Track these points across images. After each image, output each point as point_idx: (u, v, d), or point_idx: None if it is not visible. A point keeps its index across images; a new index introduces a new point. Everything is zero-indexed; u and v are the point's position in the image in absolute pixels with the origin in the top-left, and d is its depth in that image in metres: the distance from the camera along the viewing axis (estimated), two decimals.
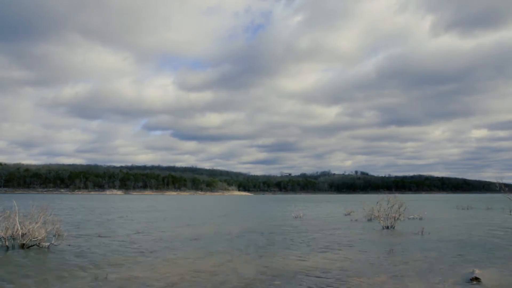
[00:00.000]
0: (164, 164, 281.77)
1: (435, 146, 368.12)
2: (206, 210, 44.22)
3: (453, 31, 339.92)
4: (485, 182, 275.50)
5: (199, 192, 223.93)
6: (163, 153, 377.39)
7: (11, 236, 14.19)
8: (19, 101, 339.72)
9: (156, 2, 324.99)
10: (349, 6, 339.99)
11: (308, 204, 65.36)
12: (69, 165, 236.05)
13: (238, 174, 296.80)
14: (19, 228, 14.17)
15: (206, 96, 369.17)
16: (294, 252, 13.39)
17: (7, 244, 13.53)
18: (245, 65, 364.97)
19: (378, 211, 22.58)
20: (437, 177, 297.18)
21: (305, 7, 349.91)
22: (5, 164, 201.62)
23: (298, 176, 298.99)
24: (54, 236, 14.68)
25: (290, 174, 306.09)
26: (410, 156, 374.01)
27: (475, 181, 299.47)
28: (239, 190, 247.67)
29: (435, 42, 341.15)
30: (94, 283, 8.88)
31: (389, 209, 22.10)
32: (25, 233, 13.96)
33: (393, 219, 21.61)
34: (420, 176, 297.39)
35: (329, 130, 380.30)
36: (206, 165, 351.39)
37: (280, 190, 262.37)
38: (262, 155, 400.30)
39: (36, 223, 14.32)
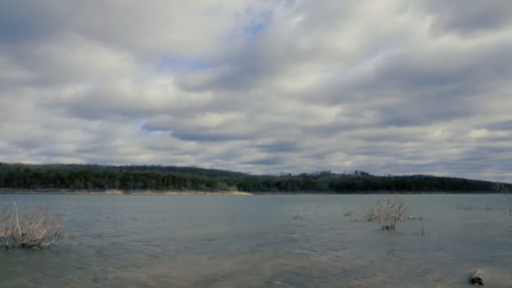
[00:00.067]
0: (164, 164, 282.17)
1: (435, 146, 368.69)
2: (207, 211, 44.20)
3: (453, 31, 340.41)
4: (485, 182, 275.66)
5: (199, 192, 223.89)
6: (163, 153, 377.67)
7: (11, 236, 14.17)
8: (20, 101, 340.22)
9: (157, 2, 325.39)
10: (349, 6, 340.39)
11: (308, 204, 65.34)
12: (69, 165, 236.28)
13: (238, 174, 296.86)
14: (19, 228, 14.16)
15: (207, 96, 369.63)
16: (293, 252, 13.37)
17: (7, 244, 13.51)
18: (245, 65, 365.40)
19: (378, 211, 22.57)
20: (437, 177, 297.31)
21: (305, 7, 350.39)
22: (5, 164, 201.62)
23: (298, 176, 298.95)
24: (55, 236, 14.67)
25: (290, 174, 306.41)
26: (410, 156, 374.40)
27: (475, 181, 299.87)
28: (239, 190, 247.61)
29: (435, 42, 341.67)
30: (94, 283, 8.87)
31: (389, 209, 22.09)
32: (25, 233, 13.96)
33: (393, 219, 21.60)
34: (420, 176, 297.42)
35: (329, 130, 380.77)
36: (206, 165, 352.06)
37: (280, 190, 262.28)
38: (262, 155, 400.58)
39: (36, 223, 14.32)
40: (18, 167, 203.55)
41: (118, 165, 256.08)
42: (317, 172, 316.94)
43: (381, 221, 21.70)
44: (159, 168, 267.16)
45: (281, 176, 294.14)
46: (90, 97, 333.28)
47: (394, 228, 21.04)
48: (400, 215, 22.09)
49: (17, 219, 14.29)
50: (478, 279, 8.99)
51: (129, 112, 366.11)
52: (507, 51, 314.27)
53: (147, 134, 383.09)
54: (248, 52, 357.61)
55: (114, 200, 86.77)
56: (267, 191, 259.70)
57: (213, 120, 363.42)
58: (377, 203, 22.93)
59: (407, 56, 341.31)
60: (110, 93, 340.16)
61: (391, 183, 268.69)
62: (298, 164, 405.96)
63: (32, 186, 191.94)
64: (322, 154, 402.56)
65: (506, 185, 20.17)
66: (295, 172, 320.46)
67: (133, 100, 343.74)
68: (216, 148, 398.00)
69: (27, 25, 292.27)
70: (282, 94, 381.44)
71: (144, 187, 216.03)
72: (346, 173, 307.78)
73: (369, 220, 25.80)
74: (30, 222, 14.29)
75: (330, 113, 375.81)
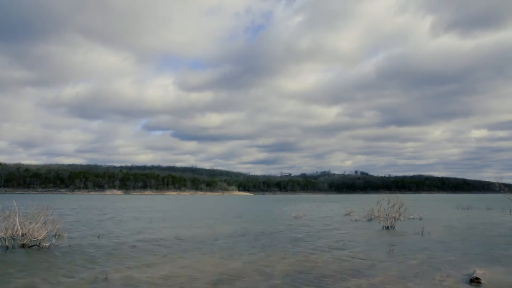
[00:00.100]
0: (164, 164, 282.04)
1: (435, 146, 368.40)
2: (208, 211, 44.20)
3: (453, 31, 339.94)
4: (485, 182, 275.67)
5: (199, 192, 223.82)
6: (163, 153, 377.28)
7: (11, 236, 14.17)
8: (20, 101, 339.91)
9: (157, 3, 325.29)
10: (349, 7, 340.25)
11: (308, 204, 65.35)
12: (69, 165, 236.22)
13: (238, 174, 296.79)
14: (19, 228, 14.17)
15: (207, 96, 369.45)
16: (293, 252, 13.39)
17: (7, 244, 13.52)
18: (245, 65, 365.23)
19: (378, 211, 22.59)
20: (437, 177, 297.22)
21: (305, 7, 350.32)
22: (5, 164, 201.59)
23: (298, 176, 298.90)
24: (55, 236, 14.68)
25: (290, 174, 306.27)
26: (410, 156, 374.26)
27: (475, 181, 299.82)
28: (239, 190, 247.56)
29: (435, 42, 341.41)
30: (94, 284, 8.88)
31: (389, 209, 22.11)
32: (25, 233, 13.97)
33: (393, 219, 21.62)
34: (420, 176, 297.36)
35: (329, 130, 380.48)
36: (206, 165, 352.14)
37: (280, 190, 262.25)
38: (262, 155, 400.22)
39: (36, 223, 14.32)
40: (18, 167, 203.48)
41: (118, 165, 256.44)
42: (317, 172, 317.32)
43: (381, 221, 21.71)
44: (159, 168, 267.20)
45: (281, 176, 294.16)
46: (90, 97, 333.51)
47: (394, 228, 21.05)
48: (400, 215, 22.11)
49: (17, 219, 14.30)
50: (477, 278, 9.01)
51: (129, 112, 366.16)
52: (507, 51, 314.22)
53: (147, 134, 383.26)
54: (248, 52, 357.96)
55: (114, 200, 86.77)
56: (267, 191, 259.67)
57: (213, 120, 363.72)
58: (377, 203, 22.94)
59: (407, 56, 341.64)
60: (110, 93, 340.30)
61: (391, 183, 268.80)
62: (298, 164, 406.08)
63: (32, 186, 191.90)
64: (322, 154, 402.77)
65: (506, 185, 20.17)
66: (295, 172, 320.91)
67: (133, 100, 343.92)
68: (216, 148, 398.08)
69: (27, 25, 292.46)
70: (282, 94, 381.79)
71: (144, 187, 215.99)
72: (346, 173, 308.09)
73: (369, 220, 25.81)
74: (30, 222, 14.31)
75: (330, 113, 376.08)
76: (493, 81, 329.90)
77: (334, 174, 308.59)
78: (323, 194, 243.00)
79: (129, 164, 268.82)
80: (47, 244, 13.74)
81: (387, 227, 21.06)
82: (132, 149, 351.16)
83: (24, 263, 11.18)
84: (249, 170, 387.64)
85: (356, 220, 26.97)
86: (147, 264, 11.12)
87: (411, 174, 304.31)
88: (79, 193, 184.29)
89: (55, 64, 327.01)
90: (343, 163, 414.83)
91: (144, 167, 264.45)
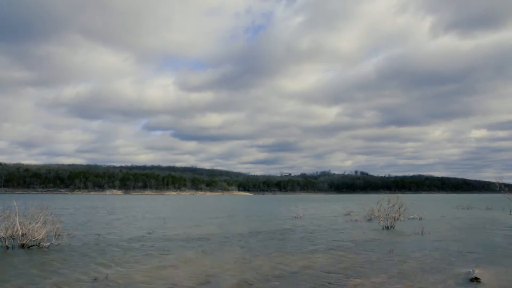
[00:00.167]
0: (164, 164, 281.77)
1: (435, 146, 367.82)
2: (208, 210, 44.20)
3: (453, 31, 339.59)
4: (485, 182, 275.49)
5: (199, 192, 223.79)
6: (163, 153, 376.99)
7: (11, 236, 14.17)
8: (20, 101, 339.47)
9: (157, 3, 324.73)
10: (349, 7, 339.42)
11: (308, 204, 65.36)
12: (69, 165, 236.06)
13: (238, 174, 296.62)
14: (19, 228, 14.16)
15: (207, 96, 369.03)
16: (293, 251, 13.39)
17: (7, 244, 13.53)
18: (245, 65, 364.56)
19: (378, 211, 22.58)
20: (437, 177, 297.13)
21: (306, 8, 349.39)
22: (5, 164, 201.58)
23: (298, 176, 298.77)
24: (55, 236, 14.66)
25: (290, 174, 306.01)
26: (410, 156, 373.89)
27: (475, 181, 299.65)
28: (239, 190, 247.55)
29: (435, 42, 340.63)
30: (94, 283, 8.88)
31: (389, 209, 22.11)
32: (25, 233, 13.96)
33: (393, 219, 21.62)
34: (420, 176, 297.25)
35: (329, 130, 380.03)
36: (206, 165, 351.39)
37: (280, 190, 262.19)
38: (262, 155, 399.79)
39: (36, 223, 14.32)
40: (18, 167, 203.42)
41: (118, 165, 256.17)
42: (317, 172, 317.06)
43: (381, 221, 21.71)
44: (159, 168, 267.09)
45: (281, 176, 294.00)
46: (91, 97, 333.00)
47: (394, 228, 21.05)
48: (400, 215, 22.10)
49: (17, 219, 14.29)
50: (477, 278, 9.01)
51: (129, 112, 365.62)
52: (507, 52, 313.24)
53: (147, 134, 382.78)
54: (248, 53, 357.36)
55: (114, 200, 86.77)
56: (267, 191, 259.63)
57: (213, 120, 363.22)
58: (377, 203, 22.94)
59: (407, 57, 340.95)
60: (110, 93, 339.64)
61: (391, 183, 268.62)
62: (298, 164, 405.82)
63: (32, 186, 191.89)
64: (322, 154, 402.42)
65: (506, 185, 20.13)
66: (295, 172, 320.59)
67: (134, 100, 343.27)
68: (216, 148, 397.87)
69: (28, 26, 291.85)
70: (282, 94, 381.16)
71: (144, 187, 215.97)
72: (346, 173, 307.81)
73: (369, 220, 25.81)
74: (30, 222, 14.30)
75: (330, 113, 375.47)
76: (493, 81, 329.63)
77: (334, 174, 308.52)
78: (323, 194, 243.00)
79: (129, 164, 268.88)
80: (47, 244, 13.74)
81: (387, 227, 21.06)
82: (132, 149, 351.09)
83: (24, 263, 11.17)
84: (249, 170, 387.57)
85: (356, 220, 26.97)
86: (148, 264, 11.12)
87: (411, 174, 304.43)
88: (79, 193, 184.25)
89: (56, 64, 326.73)
90: (343, 163, 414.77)
91: (144, 167, 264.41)
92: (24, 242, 13.79)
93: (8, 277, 9.46)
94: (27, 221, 14.34)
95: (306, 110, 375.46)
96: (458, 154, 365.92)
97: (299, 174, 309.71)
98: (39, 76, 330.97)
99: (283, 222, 26.05)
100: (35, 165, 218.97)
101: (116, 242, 15.73)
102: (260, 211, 42.93)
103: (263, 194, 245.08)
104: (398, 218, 21.92)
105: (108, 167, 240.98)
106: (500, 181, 19.63)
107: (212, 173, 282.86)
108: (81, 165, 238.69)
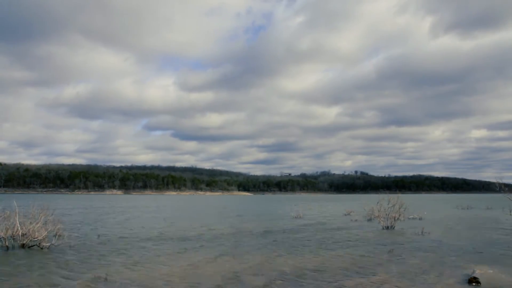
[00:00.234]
0: (164, 164, 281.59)
1: (435, 146, 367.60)
2: (208, 211, 44.19)
3: (453, 32, 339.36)
4: (485, 182, 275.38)
5: (199, 192, 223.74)
6: (163, 153, 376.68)
7: (11, 236, 14.17)
8: (20, 101, 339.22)
9: (158, 3, 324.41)
10: (349, 7, 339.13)
11: (307, 204, 65.35)
12: (69, 165, 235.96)
13: (238, 174, 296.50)
14: (19, 228, 14.16)
15: (207, 96, 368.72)
16: (293, 251, 13.40)
17: (7, 244, 13.52)
18: (246, 65, 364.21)
19: (378, 211, 22.58)
20: (437, 177, 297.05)
21: (306, 8, 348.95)
22: (5, 164, 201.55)
23: (298, 176, 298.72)
24: (55, 236, 14.66)
25: (290, 174, 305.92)
26: (410, 156, 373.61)
27: (475, 181, 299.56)
28: (239, 190, 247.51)
29: (435, 43, 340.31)
30: (94, 284, 8.88)
31: (389, 209, 22.11)
32: (25, 233, 13.97)
33: (393, 219, 21.62)
34: (420, 176, 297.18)
35: (329, 130, 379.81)
36: (206, 165, 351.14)
37: (280, 190, 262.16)
38: (262, 155, 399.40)
39: (37, 223, 14.32)
40: (18, 167, 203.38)
41: (118, 165, 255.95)
42: (317, 172, 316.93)
43: (381, 221, 21.71)
44: (159, 168, 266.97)
45: (281, 176, 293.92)
46: (91, 97, 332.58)
47: (394, 228, 21.05)
48: (400, 215, 22.10)
49: (17, 219, 14.30)
50: (475, 278, 9.02)
51: (129, 112, 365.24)
52: (507, 52, 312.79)
53: (147, 134, 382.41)
54: (248, 53, 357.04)
55: (114, 200, 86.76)
56: (267, 191, 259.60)
57: (213, 120, 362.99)
58: (377, 203, 22.93)
59: (407, 57, 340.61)
60: (110, 93, 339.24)
61: (391, 183, 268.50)
62: (298, 164, 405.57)
63: (32, 186, 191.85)
64: (322, 154, 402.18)
65: (506, 185, 20.10)
66: (295, 172, 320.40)
67: (134, 100, 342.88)
68: (216, 148, 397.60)
69: (28, 26, 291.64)
70: (282, 94, 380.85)
71: (144, 187, 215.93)
72: (346, 173, 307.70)
73: (369, 220, 25.81)
74: (30, 222, 14.30)
75: (330, 113, 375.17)
76: (493, 81, 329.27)
77: (334, 174, 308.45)
78: (323, 194, 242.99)
79: (129, 164, 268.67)
80: (47, 244, 13.73)
81: (387, 227, 21.07)
82: (132, 149, 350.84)
83: (24, 263, 11.17)
84: (249, 170, 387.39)
85: (356, 220, 26.98)
86: (149, 264, 11.12)
87: (411, 174, 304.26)
88: (79, 193, 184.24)
89: (56, 64, 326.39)
90: (343, 163, 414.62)
91: (144, 167, 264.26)
92: (24, 242, 13.79)
93: (7, 277, 9.46)
94: (28, 221, 14.34)
95: (306, 110, 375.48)
96: (458, 154, 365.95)
97: (299, 174, 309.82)
98: (39, 76, 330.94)
99: (283, 222, 26.04)
100: (35, 165, 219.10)
101: (116, 242, 15.74)
102: (261, 211, 42.91)
103: (263, 194, 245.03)
104: (398, 218, 21.92)
105: (108, 167, 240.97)
106: (500, 181, 19.60)
107: (212, 173, 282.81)
108: (81, 165, 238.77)
